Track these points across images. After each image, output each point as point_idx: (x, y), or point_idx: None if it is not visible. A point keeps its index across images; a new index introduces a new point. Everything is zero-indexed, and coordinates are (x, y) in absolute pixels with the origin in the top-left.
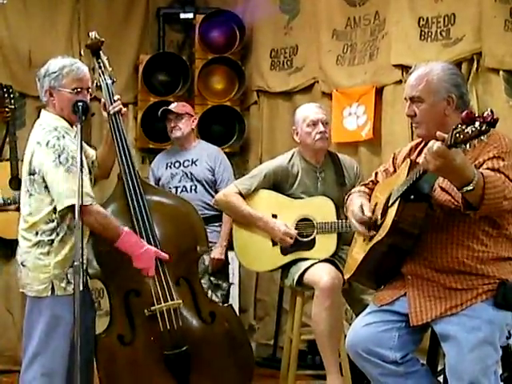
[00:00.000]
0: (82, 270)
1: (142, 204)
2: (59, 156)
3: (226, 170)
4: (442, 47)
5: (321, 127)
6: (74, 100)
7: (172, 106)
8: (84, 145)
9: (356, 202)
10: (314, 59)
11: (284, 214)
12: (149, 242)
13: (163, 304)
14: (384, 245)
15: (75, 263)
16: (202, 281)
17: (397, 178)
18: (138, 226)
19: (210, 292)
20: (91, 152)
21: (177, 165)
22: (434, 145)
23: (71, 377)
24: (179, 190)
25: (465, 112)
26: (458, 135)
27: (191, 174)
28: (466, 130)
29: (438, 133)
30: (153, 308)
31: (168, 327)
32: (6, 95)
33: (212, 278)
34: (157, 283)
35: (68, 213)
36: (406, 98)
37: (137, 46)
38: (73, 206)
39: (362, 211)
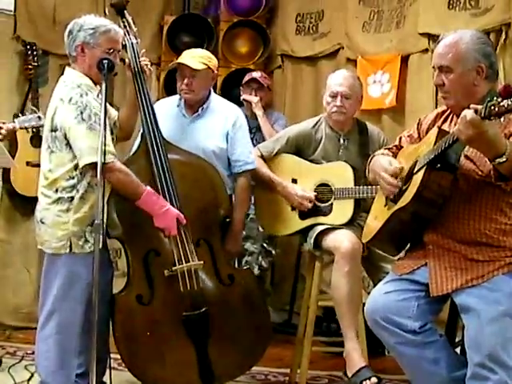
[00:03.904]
0: (103, 228)
1: (164, 163)
2: (82, 113)
3: None
4: (470, 17)
5: (338, 101)
6: (99, 58)
7: (257, 76)
8: (107, 105)
9: (383, 160)
10: (340, 25)
11: (304, 178)
12: (170, 202)
13: (184, 264)
14: (407, 212)
15: (96, 221)
16: (254, 245)
17: (422, 145)
18: (161, 185)
19: (259, 258)
20: (113, 113)
21: None
22: (468, 114)
23: (86, 335)
24: None
25: (503, 86)
26: (492, 108)
27: (257, 141)
28: (501, 104)
29: (472, 105)
30: (174, 268)
31: (188, 288)
32: (29, 52)
33: (265, 245)
34: (178, 243)
35: (89, 170)
36: (434, 67)
37: (162, 7)
38: (94, 164)
39: (391, 164)
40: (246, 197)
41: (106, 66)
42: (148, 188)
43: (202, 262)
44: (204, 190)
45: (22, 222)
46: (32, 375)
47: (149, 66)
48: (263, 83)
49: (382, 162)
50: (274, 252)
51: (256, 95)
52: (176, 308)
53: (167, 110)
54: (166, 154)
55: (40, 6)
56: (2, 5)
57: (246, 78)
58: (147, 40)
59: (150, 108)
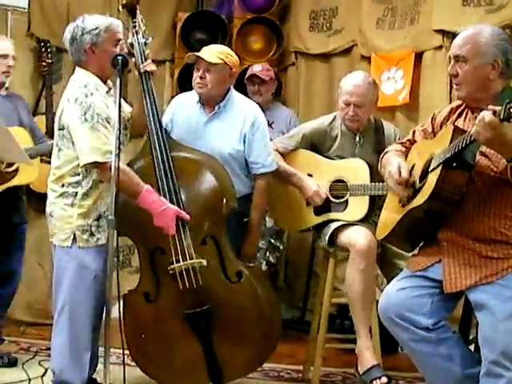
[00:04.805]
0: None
1: (166, 162)
2: (85, 113)
3: None
4: (484, 13)
5: (351, 111)
6: (114, 54)
7: (257, 70)
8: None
9: (393, 161)
10: (354, 22)
11: (320, 174)
12: (172, 200)
13: (182, 263)
14: (422, 210)
15: (109, 217)
16: (262, 241)
17: (438, 142)
18: (162, 183)
19: (267, 253)
20: (127, 109)
21: None
22: (486, 116)
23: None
24: None
25: None
26: (511, 110)
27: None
28: None
29: (490, 106)
30: (172, 267)
31: (187, 286)
32: (43, 49)
33: (272, 240)
34: (177, 242)
35: (91, 169)
36: (450, 57)
37: (175, 4)
38: (94, 163)
39: (400, 172)
40: (263, 200)
41: (120, 61)
42: (147, 187)
43: (200, 260)
44: (209, 187)
45: (35, 218)
46: (46, 371)
47: (152, 67)
48: (265, 77)
49: (390, 167)
50: (281, 247)
51: (259, 90)
52: (178, 306)
53: (189, 106)
54: (168, 152)
55: (53, 3)
56: (16, 2)
57: (248, 72)
58: (161, 37)
59: (153, 107)
